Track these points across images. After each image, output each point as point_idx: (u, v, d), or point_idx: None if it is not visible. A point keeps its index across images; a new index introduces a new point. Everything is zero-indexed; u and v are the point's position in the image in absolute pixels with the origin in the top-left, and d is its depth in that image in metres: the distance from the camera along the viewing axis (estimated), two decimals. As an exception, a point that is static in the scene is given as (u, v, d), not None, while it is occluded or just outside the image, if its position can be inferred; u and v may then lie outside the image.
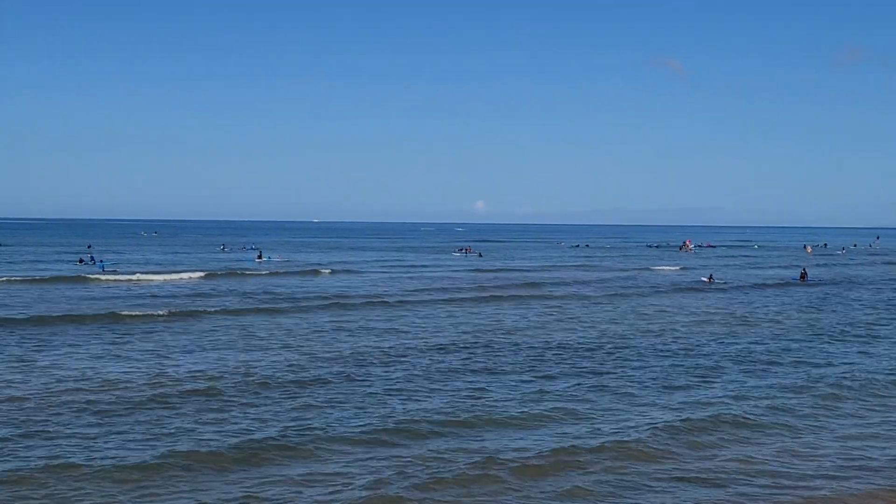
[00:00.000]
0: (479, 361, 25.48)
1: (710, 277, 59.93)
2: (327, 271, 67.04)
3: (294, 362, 24.80)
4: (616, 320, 36.57)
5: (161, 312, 36.47)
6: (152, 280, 55.99)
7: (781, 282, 59.91)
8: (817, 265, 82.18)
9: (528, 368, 24.44)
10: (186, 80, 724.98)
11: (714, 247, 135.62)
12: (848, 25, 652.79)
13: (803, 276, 62.21)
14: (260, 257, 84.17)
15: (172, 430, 16.97)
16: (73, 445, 15.79)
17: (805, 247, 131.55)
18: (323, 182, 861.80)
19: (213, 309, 38.43)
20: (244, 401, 19.68)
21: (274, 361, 24.93)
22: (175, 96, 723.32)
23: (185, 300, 42.67)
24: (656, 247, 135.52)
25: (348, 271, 67.74)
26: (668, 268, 76.44)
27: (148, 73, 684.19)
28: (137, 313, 36.21)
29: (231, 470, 14.66)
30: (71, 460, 14.82)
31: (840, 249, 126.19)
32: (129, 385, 21.18)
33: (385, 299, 44.20)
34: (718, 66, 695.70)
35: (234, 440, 16.26)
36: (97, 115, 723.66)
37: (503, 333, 31.84)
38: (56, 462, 14.72)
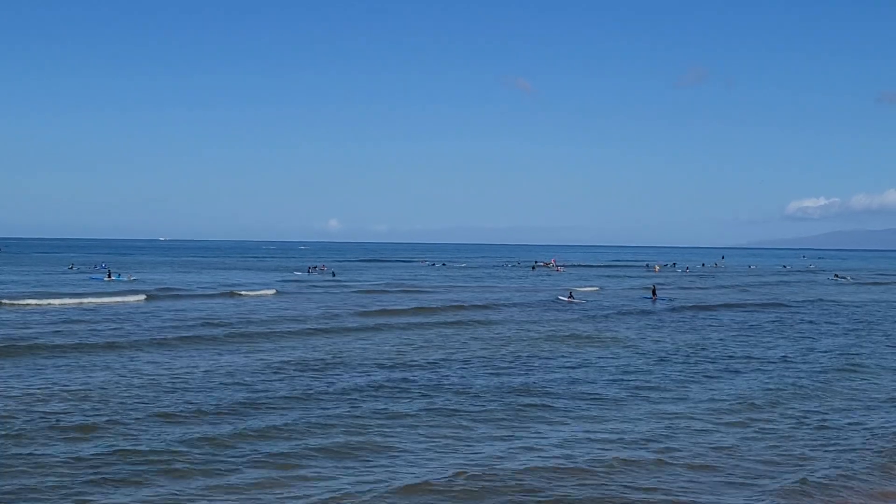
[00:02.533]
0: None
1: (570, 296, 59.85)
2: (259, 293, 63.42)
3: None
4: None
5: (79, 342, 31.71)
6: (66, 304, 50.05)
7: (637, 301, 60.10)
8: (671, 287, 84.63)
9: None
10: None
11: (571, 266, 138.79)
12: (691, 47, 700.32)
13: (654, 291, 63.94)
14: (109, 276, 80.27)
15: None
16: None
17: (653, 266, 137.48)
18: (170, 200, 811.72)
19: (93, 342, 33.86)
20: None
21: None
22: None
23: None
24: (537, 265, 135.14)
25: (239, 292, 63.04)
26: (587, 288, 75.04)
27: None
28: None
29: None
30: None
31: (683, 268, 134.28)
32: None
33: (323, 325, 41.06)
34: (567, 86, 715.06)
35: None
36: None
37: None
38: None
